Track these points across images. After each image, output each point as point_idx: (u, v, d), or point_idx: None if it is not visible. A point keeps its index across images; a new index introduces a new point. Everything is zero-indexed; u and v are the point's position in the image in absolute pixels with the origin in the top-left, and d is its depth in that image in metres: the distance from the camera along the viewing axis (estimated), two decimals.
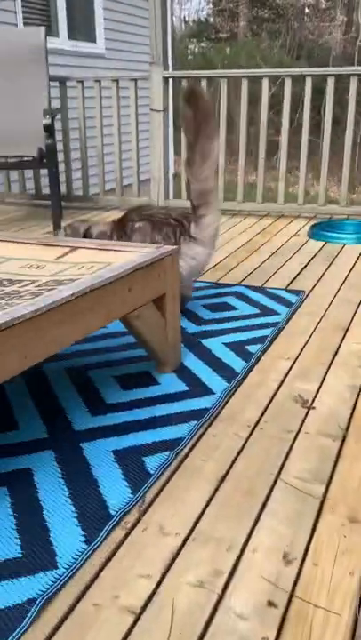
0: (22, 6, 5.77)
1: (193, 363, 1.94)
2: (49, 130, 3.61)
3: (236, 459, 1.42)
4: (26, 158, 3.77)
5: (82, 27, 6.66)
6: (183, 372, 1.87)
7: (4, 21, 5.54)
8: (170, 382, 1.81)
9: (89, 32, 6.78)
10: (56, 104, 4.33)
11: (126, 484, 1.33)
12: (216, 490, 1.31)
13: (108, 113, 4.42)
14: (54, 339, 1.38)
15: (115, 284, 1.57)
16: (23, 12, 5.80)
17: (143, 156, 4.68)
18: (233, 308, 2.44)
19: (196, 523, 1.21)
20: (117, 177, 4.51)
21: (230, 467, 1.39)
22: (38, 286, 1.63)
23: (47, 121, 3.59)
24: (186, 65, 13.96)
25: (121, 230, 2.34)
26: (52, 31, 6.06)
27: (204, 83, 4.12)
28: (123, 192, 4.56)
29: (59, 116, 4.36)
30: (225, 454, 1.44)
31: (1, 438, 1.52)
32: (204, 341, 2.11)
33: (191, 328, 2.22)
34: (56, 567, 1.10)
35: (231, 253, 3.27)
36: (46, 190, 4.59)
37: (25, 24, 5.80)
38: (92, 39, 6.80)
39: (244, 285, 2.72)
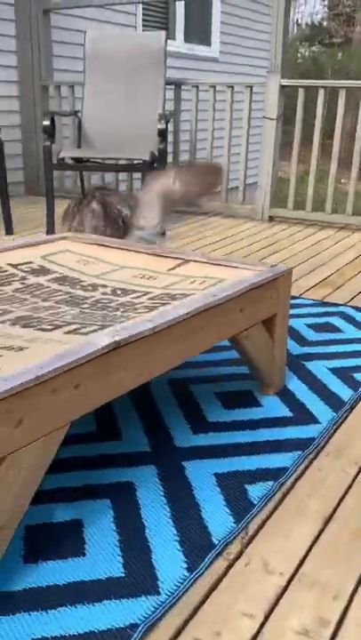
0: (142, 9, 5.88)
1: (297, 387, 1.89)
2: (162, 134, 3.64)
3: (343, 497, 1.36)
4: (136, 161, 3.82)
5: (197, 30, 6.70)
6: (287, 396, 1.82)
7: (125, 24, 5.67)
8: (273, 406, 1.77)
9: (204, 36, 6.81)
10: (168, 106, 4.37)
11: (228, 511, 1.31)
12: (322, 529, 1.26)
13: (220, 116, 4.40)
14: (167, 357, 1.38)
15: (227, 303, 1.55)
16: (143, 14, 5.91)
17: (251, 159, 4.63)
18: (339, 330, 2.36)
19: (301, 563, 1.17)
20: (224, 183, 4.49)
21: (337, 505, 1.34)
22: (151, 299, 1.64)
23: (162, 126, 3.62)
24: (295, 68, 13.75)
25: (80, 206, 2.40)
26: (168, 34, 6.14)
27: (321, 92, 4.03)
28: (227, 198, 4.54)
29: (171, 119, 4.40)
30: (331, 491, 1.39)
31: (105, 447, 1.54)
32: (308, 364, 2.05)
33: (295, 349, 2.17)
34: (158, 593, 1.09)
35: (338, 270, 3.18)
36: None
37: (144, 26, 5.91)
38: (207, 43, 6.83)
39: (351, 306, 2.63)
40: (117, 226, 2.32)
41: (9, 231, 3.76)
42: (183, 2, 6.09)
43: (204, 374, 1.97)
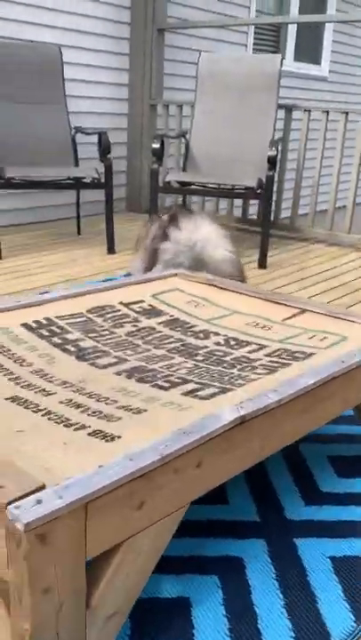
0: (255, 27, 5.82)
1: None
2: (272, 161, 3.54)
3: None
4: (238, 186, 3.74)
5: (308, 49, 6.56)
6: None
7: (237, 42, 5.63)
8: None
9: (314, 54, 6.66)
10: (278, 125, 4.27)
11: (348, 606, 1.20)
12: None
13: (331, 136, 4.25)
14: (291, 429, 1.29)
15: (356, 369, 1.44)
16: (255, 32, 5.84)
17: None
18: None
19: None
20: (330, 211, 4.34)
21: None
22: (269, 355, 1.55)
23: (273, 152, 3.53)
24: None
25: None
26: (279, 52, 6.04)
27: None
28: (332, 226, 4.38)
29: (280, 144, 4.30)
30: None
31: (211, 511, 1.46)
32: None
33: None
34: None
35: None
36: (251, 213, 4.55)
37: (255, 44, 5.84)
38: (317, 61, 6.68)
39: None
40: (161, 238, 2.57)
41: (111, 250, 3.78)
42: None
43: (315, 432, 1.86)
